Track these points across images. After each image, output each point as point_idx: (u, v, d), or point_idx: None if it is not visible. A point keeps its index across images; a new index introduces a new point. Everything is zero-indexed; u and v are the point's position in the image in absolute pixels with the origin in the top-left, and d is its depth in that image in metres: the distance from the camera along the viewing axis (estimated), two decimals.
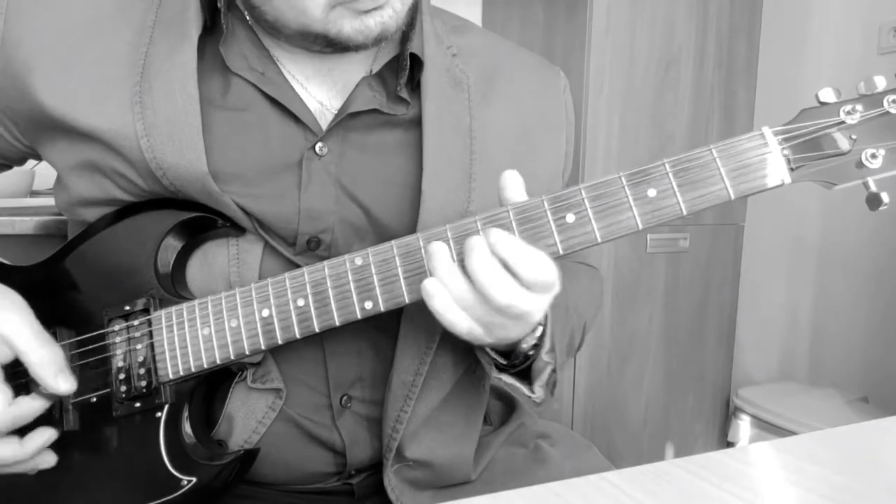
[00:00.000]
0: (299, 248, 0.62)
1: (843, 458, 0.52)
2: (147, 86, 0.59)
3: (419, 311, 0.63)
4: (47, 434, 0.58)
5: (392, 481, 0.66)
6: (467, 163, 0.65)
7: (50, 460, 0.59)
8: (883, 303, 1.69)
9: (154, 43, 0.61)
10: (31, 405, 0.57)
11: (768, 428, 1.67)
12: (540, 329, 0.60)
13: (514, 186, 0.54)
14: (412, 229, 0.62)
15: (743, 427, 1.74)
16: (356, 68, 0.66)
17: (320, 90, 0.65)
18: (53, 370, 0.56)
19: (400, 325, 0.63)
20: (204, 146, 0.58)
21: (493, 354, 0.61)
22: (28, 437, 0.57)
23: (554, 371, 0.62)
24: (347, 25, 0.58)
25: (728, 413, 2.00)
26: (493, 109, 0.69)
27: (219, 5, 0.62)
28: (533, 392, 0.61)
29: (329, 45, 0.60)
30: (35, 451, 0.58)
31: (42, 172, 1.25)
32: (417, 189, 0.64)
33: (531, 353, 0.60)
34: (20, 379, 0.58)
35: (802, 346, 1.90)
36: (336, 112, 0.64)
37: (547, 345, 0.60)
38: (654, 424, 1.93)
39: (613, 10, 1.71)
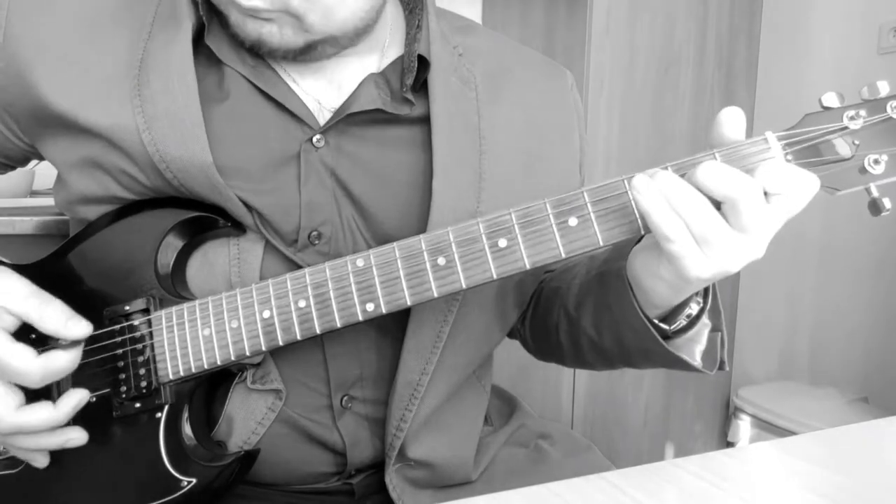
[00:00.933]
0: (301, 243, 0.62)
1: (843, 458, 0.52)
2: (145, 79, 0.59)
3: (427, 310, 0.63)
4: (79, 394, 0.57)
5: (393, 480, 0.66)
6: (476, 162, 0.65)
7: (81, 437, 0.58)
8: (883, 303, 1.69)
9: (152, 38, 0.61)
10: (61, 356, 0.56)
11: (768, 428, 1.67)
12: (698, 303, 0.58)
13: (732, 123, 0.50)
14: (408, 227, 0.62)
15: (743, 427, 1.74)
16: (350, 68, 0.66)
17: (314, 87, 0.65)
18: (62, 320, 0.56)
19: (408, 324, 0.63)
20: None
21: (654, 320, 0.58)
22: (61, 399, 0.57)
23: (715, 334, 0.60)
24: (232, 16, 0.59)
25: (728, 413, 2.00)
26: (501, 109, 0.69)
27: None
28: (695, 358, 0.59)
29: (231, 30, 0.61)
30: (69, 414, 0.57)
31: (42, 172, 1.25)
32: (416, 186, 0.64)
33: (691, 314, 0.58)
34: (41, 341, 0.57)
35: (802, 346, 1.90)
36: (335, 108, 0.64)
37: (708, 304, 0.58)
38: (654, 424, 1.93)
39: (613, 10, 1.71)
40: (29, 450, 0.58)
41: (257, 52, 0.62)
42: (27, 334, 0.57)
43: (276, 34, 0.59)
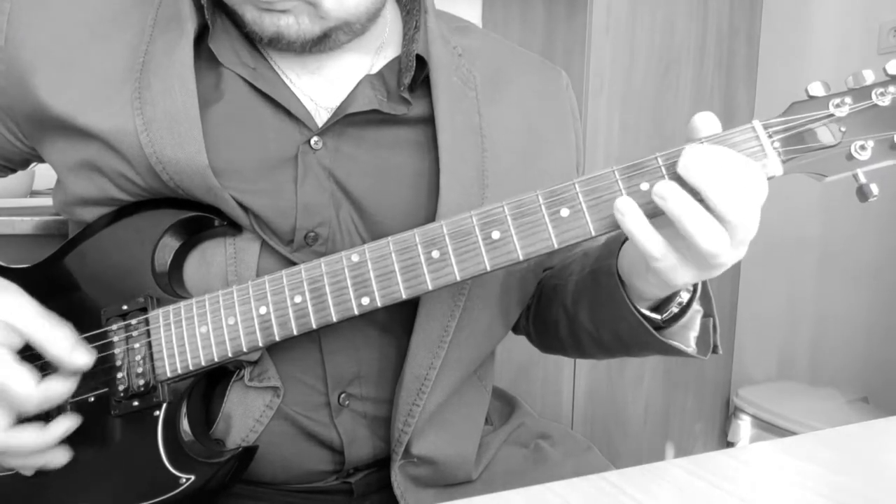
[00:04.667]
0: (297, 243, 0.62)
1: (843, 458, 0.52)
2: (146, 82, 0.60)
3: (434, 303, 0.63)
4: (70, 421, 0.57)
5: (397, 477, 0.66)
6: (479, 160, 0.66)
7: (63, 458, 0.58)
8: (883, 303, 1.69)
9: (153, 41, 0.61)
10: (59, 385, 0.56)
11: (768, 428, 1.66)
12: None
13: (708, 127, 0.52)
14: (412, 226, 0.62)
15: (743, 427, 1.74)
16: (347, 68, 0.66)
17: (312, 87, 0.66)
18: (67, 346, 0.56)
19: (416, 319, 0.64)
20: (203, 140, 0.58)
21: (647, 313, 0.60)
22: (51, 424, 0.57)
23: (707, 319, 0.61)
24: (248, 13, 0.59)
25: (728, 413, 2.00)
26: (500, 109, 0.69)
27: (202, 2, 0.63)
28: (689, 344, 0.61)
29: (245, 28, 0.61)
30: (58, 439, 0.57)
31: (42, 172, 1.25)
32: (418, 186, 0.64)
33: (682, 302, 0.60)
34: (38, 362, 0.57)
35: (802, 346, 1.90)
36: (332, 109, 0.64)
37: (699, 290, 0.60)
38: (654, 424, 1.93)
39: (613, 10, 1.71)
40: (12, 466, 0.58)
41: (275, 47, 0.62)
42: (25, 353, 0.56)
43: (293, 25, 0.59)
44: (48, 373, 0.56)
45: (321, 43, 0.62)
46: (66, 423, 0.57)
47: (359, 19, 0.62)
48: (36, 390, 0.54)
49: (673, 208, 0.48)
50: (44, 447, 0.56)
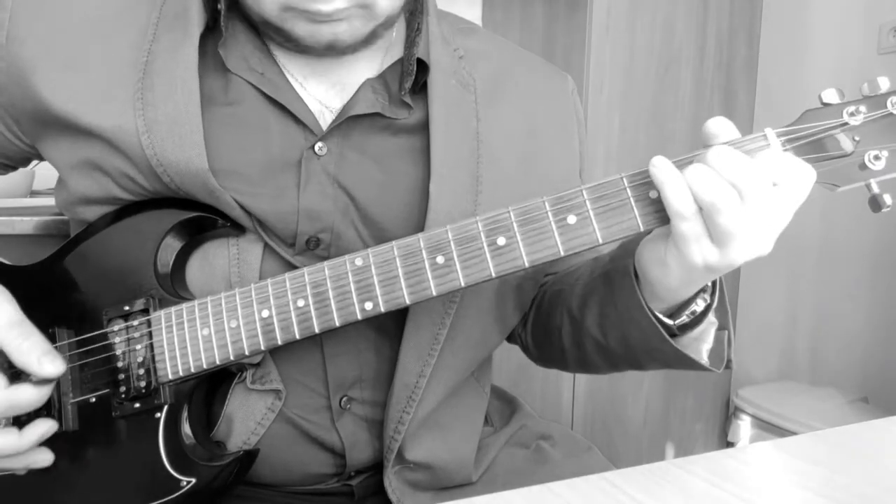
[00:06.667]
0: (299, 248, 0.62)
1: (843, 458, 0.52)
2: (149, 82, 0.59)
3: (424, 312, 0.63)
4: (46, 425, 0.57)
5: (393, 483, 0.66)
6: (474, 166, 0.65)
7: (46, 458, 0.58)
8: (883, 303, 1.69)
9: (157, 40, 0.61)
10: (29, 392, 0.56)
11: (768, 428, 1.66)
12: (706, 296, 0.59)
13: (723, 133, 0.50)
14: (412, 232, 0.62)
15: (743, 427, 1.74)
16: (356, 70, 0.66)
17: (319, 90, 0.65)
18: (35, 355, 0.55)
19: (405, 326, 0.63)
20: (204, 143, 0.58)
21: (660, 316, 0.58)
22: (27, 427, 0.57)
23: (722, 332, 0.60)
24: (300, 27, 0.59)
25: (728, 413, 2.00)
26: (500, 112, 0.69)
27: (219, 6, 0.62)
28: (701, 357, 0.59)
29: (289, 41, 0.61)
30: (33, 443, 0.57)
31: (42, 172, 1.25)
32: (420, 192, 0.64)
33: (696, 310, 0.59)
34: (14, 369, 0.57)
35: (802, 346, 1.90)
36: (337, 113, 0.64)
37: (715, 301, 0.59)
38: (654, 424, 1.93)
39: (613, 10, 1.71)
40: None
41: (328, 53, 0.62)
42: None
43: (348, 30, 0.60)
44: (22, 380, 0.57)
45: (371, 41, 0.62)
46: (42, 427, 0.57)
47: (396, 12, 0.62)
48: (1, 394, 0.54)
49: (660, 175, 0.48)
50: (20, 450, 0.57)
